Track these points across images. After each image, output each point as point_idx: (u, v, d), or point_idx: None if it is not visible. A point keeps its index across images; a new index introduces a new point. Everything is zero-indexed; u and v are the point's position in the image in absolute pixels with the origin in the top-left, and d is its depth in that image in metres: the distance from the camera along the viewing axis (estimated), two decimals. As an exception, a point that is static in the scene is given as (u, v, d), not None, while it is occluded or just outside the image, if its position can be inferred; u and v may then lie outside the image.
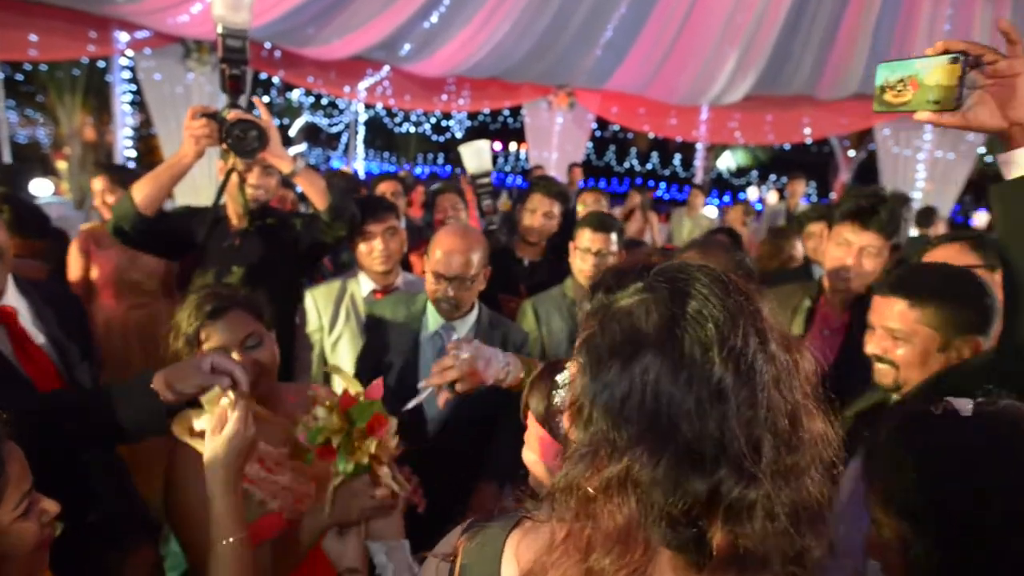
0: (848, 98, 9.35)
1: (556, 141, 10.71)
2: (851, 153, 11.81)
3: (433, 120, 14.65)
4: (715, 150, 15.49)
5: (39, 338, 1.61)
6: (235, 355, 1.48)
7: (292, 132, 16.00)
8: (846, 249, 1.99)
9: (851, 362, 1.74)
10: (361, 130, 12.12)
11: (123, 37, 7.35)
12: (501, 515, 0.85)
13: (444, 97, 10.29)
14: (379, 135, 18.03)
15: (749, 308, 0.72)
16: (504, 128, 15.07)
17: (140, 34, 7.36)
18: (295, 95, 14.10)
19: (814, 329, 2.11)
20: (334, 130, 15.50)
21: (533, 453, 1.19)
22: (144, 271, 3.11)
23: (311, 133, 17.31)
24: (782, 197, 12.43)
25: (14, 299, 1.60)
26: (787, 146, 13.44)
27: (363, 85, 9.56)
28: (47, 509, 1.06)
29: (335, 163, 18.69)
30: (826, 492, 0.70)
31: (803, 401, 0.71)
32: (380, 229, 2.42)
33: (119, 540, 1.50)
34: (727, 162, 21.12)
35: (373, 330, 2.18)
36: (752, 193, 13.96)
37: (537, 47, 8.17)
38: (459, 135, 15.59)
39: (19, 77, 10.37)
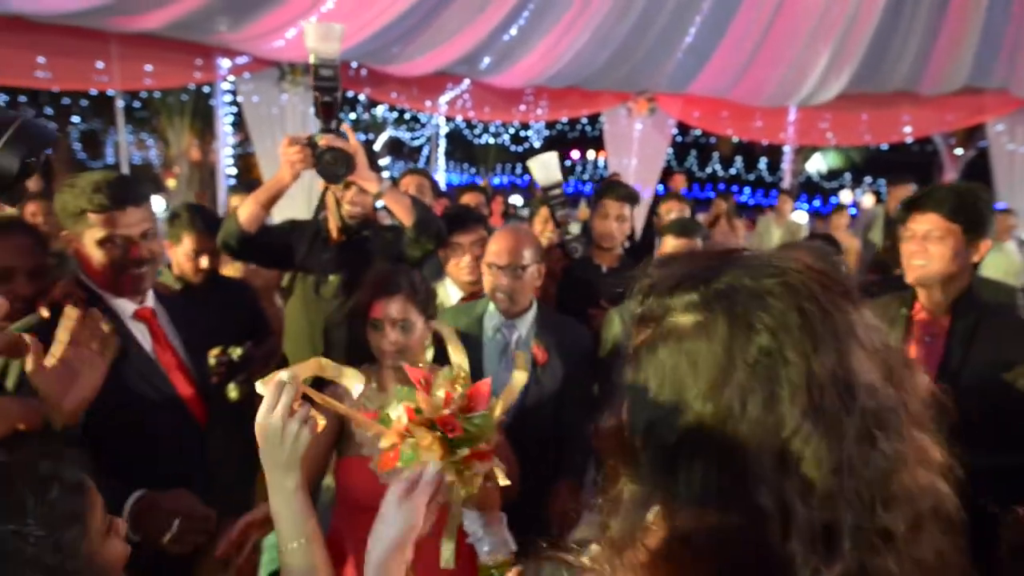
0: (954, 93, 8.70)
1: (636, 148, 10.56)
2: (958, 151, 10.96)
3: (511, 131, 14.82)
4: (804, 152, 14.80)
5: (176, 342, 1.79)
6: (388, 330, 1.78)
7: (376, 146, 16.64)
8: (910, 240, 1.93)
9: (958, 365, 1.73)
10: (442, 143, 12.43)
11: (225, 63, 7.89)
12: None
13: (522, 107, 10.39)
14: (459, 147, 18.43)
15: (835, 337, 0.59)
16: (582, 136, 15.01)
17: (240, 60, 7.89)
18: (379, 111, 14.65)
19: (915, 338, 1.99)
20: (416, 143, 15.98)
21: None
22: (264, 277, 3.35)
23: (394, 147, 17.92)
24: (879, 200, 11.71)
25: (151, 304, 1.81)
26: (884, 146, 12.65)
27: (444, 99, 9.81)
28: (119, 527, 1.08)
29: (417, 175, 19.21)
30: (948, 549, 0.61)
31: (908, 448, 0.60)
32: (469, 241, 2.51)
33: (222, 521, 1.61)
34: (817, 164, 20.12)
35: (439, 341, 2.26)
36: (845, 196, 13.26)
37: (617, 54, 8.10)
38: (537, 144, 15.68)
39: (136, 104, 11.33)
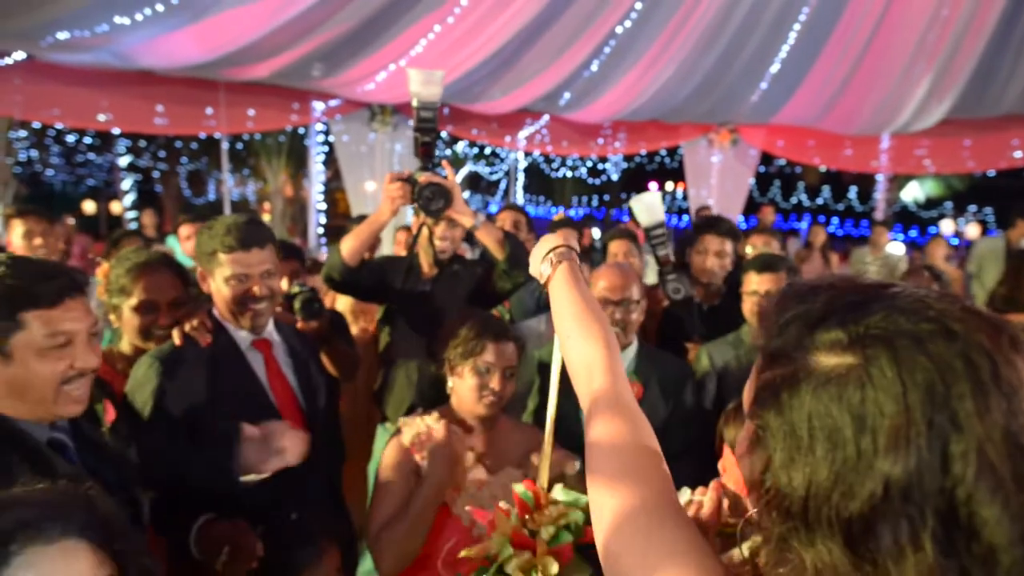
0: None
1: (716, 178, 10.36)
2: (1079, 177, 10.09)
3: (589, 164, 14.90)
4: (898, 180, 14.04)
5: (288, 373, 1.88)
6: (497, 376, 1.77)
7: (456, 181, 17.07)
8: None
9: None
10: (520, 176, 12.67)
11: (319, 106, 8.40)
12: None
13: (600, 141, 10.45)
14: (536, 180, 18.69)
15: (1008, 391, 0.54)
16: (661, 168, 14.90)
17: (333, 103, 8.38)
18: (459, 147, 15.13)
19: None
20: (494, 177, 16.33)
21: (733, 484, 1.15)
22: (367, 310, 3.50)
23: (472, 181, 18.39)
24: (985, 231, 10.89)
25: (271, 334, 1.92)
26: (991, 172, 11.82)
27: (523, 134, 10.00)
28: None
29: (493, 208, 19.64)
30: None
31: None
32: None
33: (311, 539, 1.67)
34: (914, 193, 19.02)
35: (540, 374, 2.30)
36: (946, 226, 12.43)
37: (700, 87, 8.03)
38: (615, 177, 15.67)
39: (239, 146, 12.22)
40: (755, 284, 2.39)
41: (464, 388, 1.77)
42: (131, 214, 11.78)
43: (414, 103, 2.19)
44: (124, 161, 12.74)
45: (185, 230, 3.64)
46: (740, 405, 1.20)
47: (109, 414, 1.48)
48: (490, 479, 1.71)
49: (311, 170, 9.48)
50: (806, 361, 0.61)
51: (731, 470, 1.18)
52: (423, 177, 2.22)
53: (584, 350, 0.96)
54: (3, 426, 1.21)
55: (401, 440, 1.73)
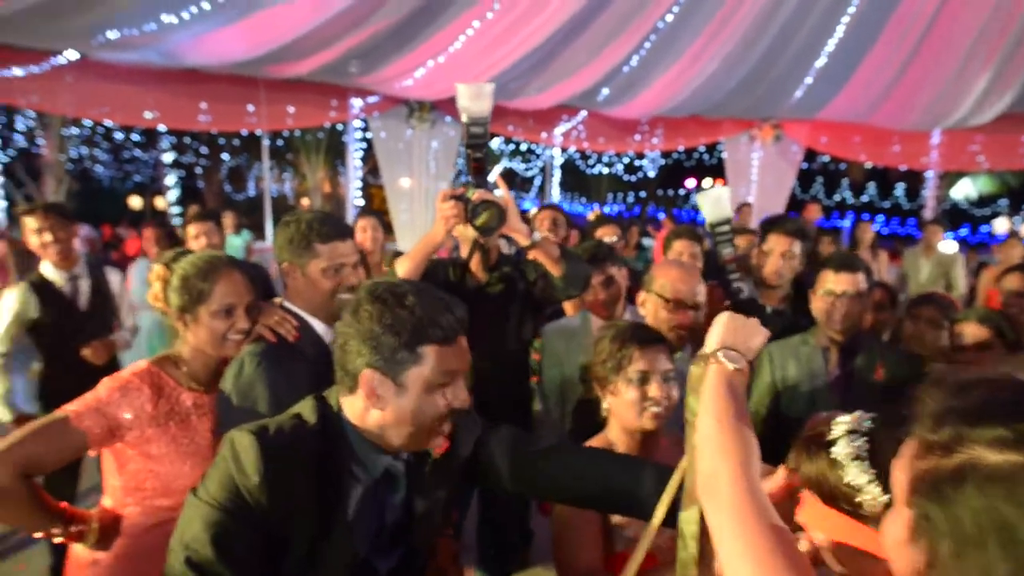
0: None
1: (757, 176, 10.13)
2: None
3: (626, 160, 14.72)
4: (949, 177, 13.52)
5: None
6: (655, 382, 1.63)
7: (491, 178, 17.09)
8: None
9: None
10: (556, 173, 12.57)
11: (357, 103, 8.46)
12: None
13: (637, 137, 10.30)
14: (571, 177, 18.57)
15: None
16: (699, 164, 14.63)
17: (371, 99, 8.43)
18: (495, 143, 15.11)
19: None
20: (529, 174, 16.27)
21: (821, 532, 1.06)
22: None
23: (507, 177, 18.38)
24: (1043, 230, 10.42)
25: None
26: (1049, 169, 11.31)
27: (559, 131, 9.92)
28: None
29: (527, 204, 19.58)
30: None
31: None
32: (601, 278, 2.47)
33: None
34: (965, 190, 18.32)
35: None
36: (1000, 225, 11.93)
37: (743, 83, 7.84)
38: (651, 174, 15.45)
39: (279, 143, 12.41)
40: (831, 283, 2.26)
41: (622, 405, 1.63)
42: (175, 209, 12.07)
43: (464, 119, 2.12)
44: (168, 157, 13.06)
45: (193, 229, 3.58)
46: (809, 443, 1.11)
47: (443, 445, 1.31)
48: None
49: (349, 166, 9.57)
50: (968, 456, 0.63)
51: (815, 519, 1.08)
52: (476, 195, 2.14)
53: (714, 462, 0.94)
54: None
55: None
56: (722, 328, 1.15)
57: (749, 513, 0.85)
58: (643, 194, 20.46)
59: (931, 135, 9.56)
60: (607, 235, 3.52)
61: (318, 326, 1.79)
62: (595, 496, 1.33)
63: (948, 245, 6.74)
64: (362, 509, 1.20)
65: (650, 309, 2.21)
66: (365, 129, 9.00)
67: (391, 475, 1.25)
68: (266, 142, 9.16)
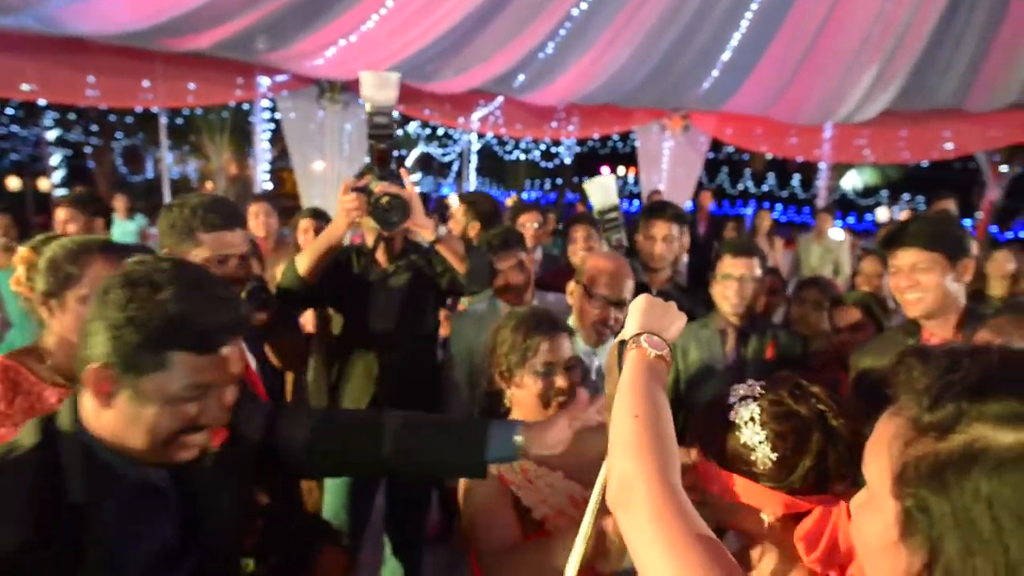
0: (1000, 109, 8.49)
1: (668, 164, 10.51)
2: (1003, 168, 10.67)
3: (542, 147, 14.87)
4: (839, 169, 14.57)
5: (251, 360, 1.79)
6: (561, 373, 1.60)
7: (408, 163, 16.84)
8: (898, 275, 1.96)
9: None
10: (473, 159, 12.52)
11: (265, 82, 8.06)
12: None
13: (554, 124, 10.42)
14: (489, 162, 18.56)
15: None
16: (613, 152, 15.01)
17: (280, 78, 8.05)
18: (411, 127, 14.84)
19: None
20: (446, 159, 16.13)
21: (724, 496, 1.13)
22: None
23: (424, 163, 18.11)
24: (918, 218, 11.44)
25: None
26: (924, 163, 12.39)
27: (476, 116, 9.88)
28: None
29: (445, 190, 19.42)
30: None
31: None
32: (513, 262, 2.48)
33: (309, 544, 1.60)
34: (852, 181, 19.79)
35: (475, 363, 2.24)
36: (882, 214, 12.99)
37: (654, 72, 8.08)
38: (567, 161, 15.70)
39: (179, 121, 11.64)
40: (729, 267, 2.38)
41: (527, 397, 1.60)
42: (60, 191, 11.11)
43: (367, 108, 2.05)
44: (52, 135, 11.98)
45: (63, 213, 3.27)
46: (707, 413, 1.18)
47: (218, 435, 1.14)
48: (537, 482, 1.56)
49: (256, 148, 9.13)
50: (973, 436, 0.56)
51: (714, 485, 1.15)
52: (379, 187, 2.08)
53: (630, 464, 0.84)
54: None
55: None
56: (640, 312, 1.09)
57: (671, 523, 0.75)
58: (560, 181, 20.79)
59: (824, 129, 10.24)
60: (529, 221, 3.55)
61: None
62: (414, 464, 1.29)
63: (836, 232, 7.26)
64: (119, 532, 1.01)
65: (575, 299, 2.19)
66: (273, 109, 8.60)
67: (151, 487, 1.06)
68: (164, 120, 8.57)
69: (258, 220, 3.89)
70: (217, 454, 1.13)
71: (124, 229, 6.77)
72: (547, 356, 1.58)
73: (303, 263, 2.17)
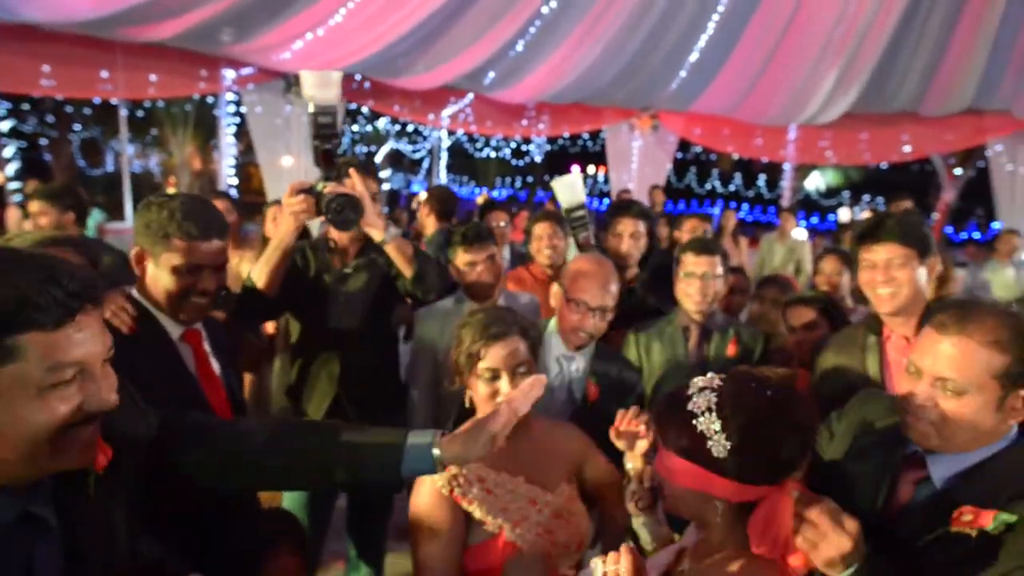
0: (955, 113, 8.79)
1: (637, 163, 10.62)
2: (957, 171, 11.05)
3: (513, 145, 14.87)
4: (803, 170, 14.90)
5: (215, 365, 1.74)
6: (505, 379, 1.56)
7: (377, 159, 16.67)
8: (873, 270, 1.94)
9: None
10: (443, 155, 12.45)
11: (230, 74, 7.90)
12: None
13: (524, 122, 10.44)
14: (459, 160, 18.48)
15: None
16: (583, 151, 15.10)
17: (245, 71, 7.90)
18: (381, 123, 14.69)
19: (890, 363, 1.99)
20: (417, 156, 16.01)
21: (682, 485, 1.16)
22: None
23: (395, 159, 17.95)
24: (878, 218, 11.80)
25: (199, 325, 1.74)
26: (884, 165, 12.76)
27: (446, 112, 9.84)
28: None
29: (415, 187, 19.30)
30: None
31: None
32: (482, 257, 2.46)
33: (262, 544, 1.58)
34: (815, 182, 20.24)
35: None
36: (844, 214, 13.32)
37: (624, 72, 8.16)
38: (538, 159, 15.74)
39: (139, 114, 11.32)
40: (691, 265, 2.41)
41: (478, 399, 1.60)
42: (14, 184, 10.70)
43: (310, 108, 2.02)
44: (5, 126, 11.53)
45: (35, 206, 3.16)
46: (668, 405, 1.20)
47: (104, 454, 0.99)
48: (497, 491, 1.55)
49: (221, 143, 8.94)
50: None
51: (673, 475, 1.17)
52: (329, 187, 2.04)
53: None
54: None
55: (438, 487, 1.52)
56: None
57: None
58: (530, 179, 20.83)
59: (788, 130, 10.47)
60: (496, 220, 3.55)
61: (166, 322, 1.64)
62: (325, 480, 1.18)
63: (799, 232, 7.42)
64: None
65: (556, 302, 2.13)
66: (239, 103, 8.43)
67: (32, 518, 0.91)
68: (124, 112, 8.34)
69: None
70: (101, 477, 0.99)
71: (81, 224, 6.56)
72: (492, 362, 1.55)
73: (259, 277, 2.13)
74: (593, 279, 2.05)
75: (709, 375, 1.20)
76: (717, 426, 1.09)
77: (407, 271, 2.26)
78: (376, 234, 2.19)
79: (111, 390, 0.92)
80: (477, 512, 1.51)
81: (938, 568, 1.18)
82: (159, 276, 1.59)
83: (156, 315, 1.63)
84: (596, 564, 1.13)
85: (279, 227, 2.10)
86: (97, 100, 9.06)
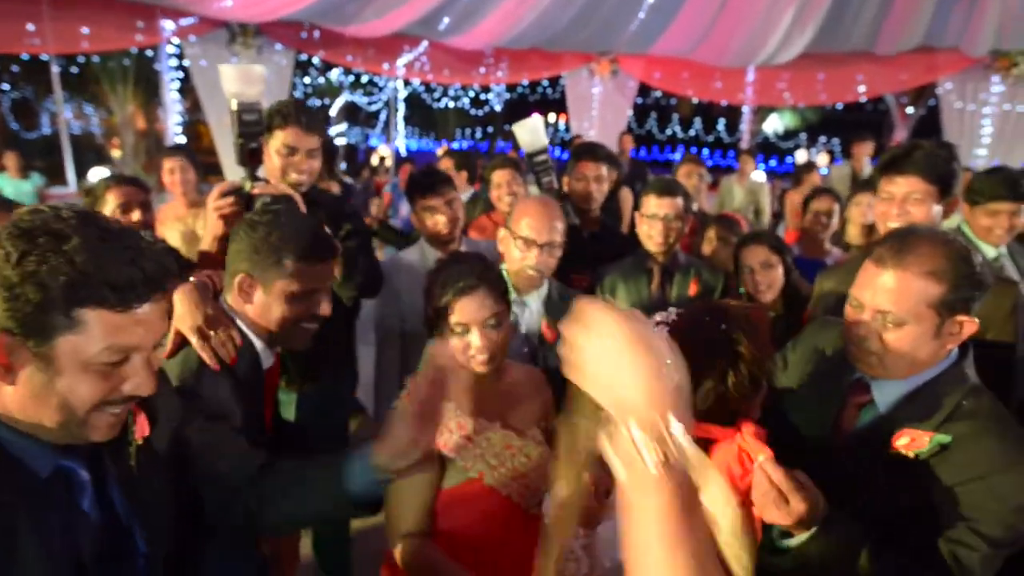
0: (908, 52, 8.87)
1: (597, 109, 10.51)
2: (909, 110, 11.24)
3: (471, 94, 14.53)
4: (761, 113, 14.98)
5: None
6: (476, 332, 1.53)
7: (332, 112, 16.12)
8: (890, 202, 1.90)
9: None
10: (400, 107, 12.10)
11: (169, 25, 7.47)
12: None
13: (482, 70, 10.19)
14: (417, 112, 18.01)
15: None
16: (543, 99, 14.85)
17: (185, 21, 7.47)
18: (334, 75, 14.15)
19: None
20: (373, 108, 15.54)
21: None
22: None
23: (350, 112, 17.40)
24: (832, 160, 11.98)
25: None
26: (839, 105, 12.91)
27: (401, 61, 9.53)
28: None
29: (374, 141, 18.80)
30: None
31: None
32: (441, 202, 2.43)
33: None
34: (774, 125, 20.41)
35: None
36: (800, 156, 13.48)
37: (580, 14, 7.98)
38: (498, 108, 15.45)
39: (74, 70, 10.64)
40: (654, 207, 2.43)
41: (454, 350, 1.58)
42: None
43: (232, 105, 1.91)
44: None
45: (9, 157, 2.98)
46: None
47: (142, 426, 1.05)
48: (476, 437, 1.56)
49: (165, 99, 8.50)
50: None
51: None
52: (257, 187, 1.97)
53: None
54: None
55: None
56: (639, 372, 0.65)
57: None
58: (491, 129, 20.46)
59: (747, 72, 10.45)
60: (445, 167, 3.50)
61: (262, 350, 1.53)
62: (276, 515, 1.21)
63: (758, 175, 7.50)
64: (34, 531, 0.88)
65: (505, 247, 2.11)
66: (181, 56, 8.00)
67: (66, 476, 0.95)
68: (56, 68, 7.84)
69: (174, 177, 3.64)
70: (140, 448, 1.04)
71: (19, 189, 6.22)
72: (461, 317, 1.54)
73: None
74: (538, 215, 2.03)
75: (669, 310, 1.22)
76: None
77: (335, 274, 2.22)
78: None
79: (152, 377, 0.94)
80: (456, 458, 1.53)
81: (881, 491, 1.24)
82: (271, 305, 1.46)
83: (254, 341, 1.51)
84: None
85: (207, 231, 1.96)
86: (26, 56, 8.49)
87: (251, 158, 1.99)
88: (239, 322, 1.48)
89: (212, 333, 1.40)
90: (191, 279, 1.54)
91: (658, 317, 1.19)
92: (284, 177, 2.24)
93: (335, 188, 4.77)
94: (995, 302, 1.25)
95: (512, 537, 1.49)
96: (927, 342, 1.24)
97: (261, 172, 2.13)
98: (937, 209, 1.88)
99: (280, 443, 1.59)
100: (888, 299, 1.24)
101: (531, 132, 2.69)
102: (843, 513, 1.15)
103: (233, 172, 8.07)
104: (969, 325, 1.24)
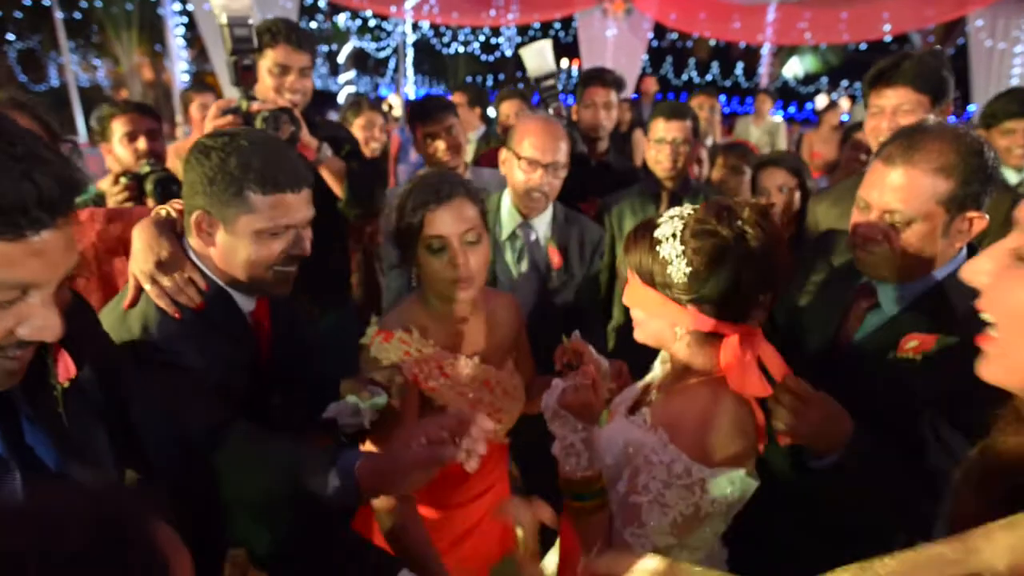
0: (936, -16, 8.48)
1: (611, 53, 10.21)
2: (936, 49, 10.82)
3: (482, 38, 14.15)
4: (781, 56, 14.47)
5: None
6: (457, 252, 1.38)
7: (340, 59, 15.80)
8: (880, 116, 1.84)
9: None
10: (409, 52, 11.81)
11: (169, -34, 7.30)
12: None
13: (492, 12, 9.90)
14: (427, 58, 17.61)
15: None
16: (556, 43, 14.46)
17: (186, -39, 7.29)
18: (341, 20, 13.81)
19: None
20: (382, 55, 15.21)
21: (638, 308, 1.19)
22: None
23: (359, 60, 17.06)
24: (854, 103, 11.61)
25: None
26: (863, 46, 12.42)
27: (409, 3, 9.28)
28: None
29: (383, 90, 18.48)
30: None
31: None
32: (440, 128, 2.41)
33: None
34: (794, 69, 19.74)
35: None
36: (821, 100, 13.06)
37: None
38: (508, 53, 15.05)
39: (76, 15, 10.48)
40: (661, 131, 2.38)
41: (428, 276, 1.43)
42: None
43: (222, 19, 1.84)
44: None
45: None
46: (638, 232, 1.20)
47: (65, 367, 0.92)
48: (456, 375, 1.50)
49: (171, 47, 8.36)
50: None
51: (635, 296, 1.19)
52: (255, 105, 1.92)
53: None
54: None
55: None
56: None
57: None
58: (502, 76, 20.00)
59: (767, 11, 10.05)
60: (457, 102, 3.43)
61: (237, 295, 1.34)
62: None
63: (776, 116, 7.30)
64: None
65: (508, 168, 2.05)
66: (184, 0, 7.82)
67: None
68: (59, 15, 7.72)
69: (204, 113, 3.64)
70: (68, 392, 0.93)
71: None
72: (437, 228, 1.37)
73: None
74: (541, 134, 1.97)
75: (684, 206, 1.19)
76: (678, 251, 1.09)
77: (337, 190, 2.22)
78: (308, 153, 2.08)
79: (57, 319, 0.78)
80: (438, 397, 1.49)
81: (885, 393, 1.23)
82: (236, 246, 1.24)
83: (224, 287, 1.32)
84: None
85: None
86: (28, 2, 8.36)
87: (245, 76, 1.94)
88: (203, 267, 1.29)
89: (166, 278, 1.23)
90: (152, 212, 1.37)
91: (673, 211, 1.16)
92: (278, 97, 2.21)
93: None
94: (992, 207, 1.21)
95: (484, 467, 1.48)
96: (935, 241, 1.21)
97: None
98: (931, 119, 1.84)
99: (284, 399, 1.45)
100: (896, 197, 1.21)
101: (538, 55, 2.62)
102: (866, 431, 1.16)
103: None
104: (979, 222, 1.20)
